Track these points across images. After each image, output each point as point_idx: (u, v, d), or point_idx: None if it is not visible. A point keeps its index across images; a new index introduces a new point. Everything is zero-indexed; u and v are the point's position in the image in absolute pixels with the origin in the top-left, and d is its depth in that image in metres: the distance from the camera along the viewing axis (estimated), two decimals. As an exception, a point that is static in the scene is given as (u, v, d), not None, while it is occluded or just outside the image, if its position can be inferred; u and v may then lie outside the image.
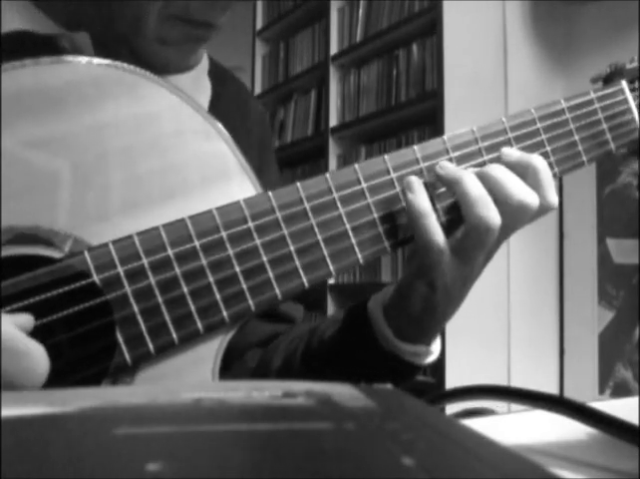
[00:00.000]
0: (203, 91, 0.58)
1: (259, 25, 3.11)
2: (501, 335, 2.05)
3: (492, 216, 0.46)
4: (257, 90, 3.11)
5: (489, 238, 0.46)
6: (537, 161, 0.48)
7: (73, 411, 0.19)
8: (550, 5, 2.17)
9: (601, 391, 2.07)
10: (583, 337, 2.12)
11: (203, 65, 0.60)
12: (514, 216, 0.47)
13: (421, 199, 0.46)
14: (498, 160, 0.49)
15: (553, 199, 0.49)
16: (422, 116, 2.17)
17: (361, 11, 2.49)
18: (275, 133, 2.92)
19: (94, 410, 0.19)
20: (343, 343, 0.55)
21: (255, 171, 0.66)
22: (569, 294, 2.18)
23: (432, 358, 0.54)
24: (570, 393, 2.12)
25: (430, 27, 2.12)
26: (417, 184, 0.46)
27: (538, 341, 2.14)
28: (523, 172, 0.48)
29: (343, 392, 0.22)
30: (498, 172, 0.47)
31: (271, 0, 3.06)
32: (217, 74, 0.63)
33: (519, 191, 0.46)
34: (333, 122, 2.55)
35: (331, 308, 2.46)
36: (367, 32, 2.46)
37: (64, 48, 0.48)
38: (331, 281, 2.47)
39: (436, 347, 0.54)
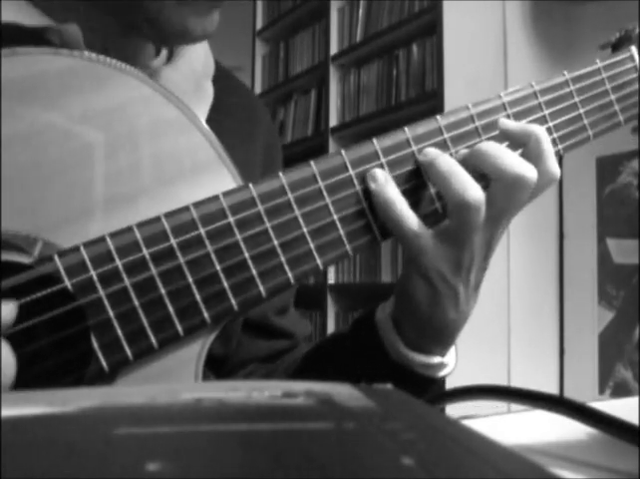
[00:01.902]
0: (205, 97, 0.57)
1: (259, 25, 3.11)
2: (501, 335, 2.05)
3: (469, 191, 0.43)
4: (257, 90, 3.10)
5: (472, 215, 0.43)
6: (539, 130, 0.46)
7: (73, 411, 0.19)
8: (550, 5, 2.17)
9: (601, 391, 2.07)
10: (583, 337, 2.12)
11: (208, 71, 0.59)
12: (512, 192, 0.44)
13: (385, 187, 0.44)
14: (496, 137, 0.47)
15: (557, 169, 0.46)
16: (422, 116, 2.15)
17: (361, 11, 2.49)
18: (275, 133, 2.92)
19: (94, 410, 0.19)
20: (350, 357, 0.53)
21: (259, 178, 0.65)
22: (569, 294, 2.18)
23: (447, 371, 0.51)
24: (570, 393, 2.12)
25: (430, 27, 2.12)
26: (380, 173, 0.44)
27: (538, 341, 2.14)
28: (525, 142, 0.46)
29: (343, 392, 0.22)
30: (489, 146, 0.44)
31: (271, 0, 3.06)
32: (223, 80, 0.62)
33: (513, 164, 0.43)
34: (333, 122, 2.55)
35: (331, 308, 2.46)
36: (367, 32, 2.46)
37: (52, 41, 0.47)
38: (331, 281, 2.47)
39: (450, 359, 0.51)
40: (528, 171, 0.43)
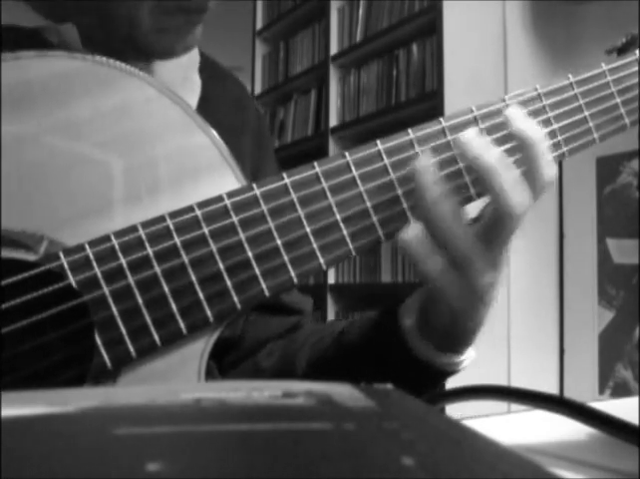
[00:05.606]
0: (193, 89, 0.57)
1: (259, 25, 3.11)
2: (501, 335, 2.05)
3: (520, 201, 0.42)
4: (257, 90, 3.10)
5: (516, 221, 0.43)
6: (538, 137, 0.45)
7: (73, 411, 0.19)
8: (550, 5, 2.17)
9: (601, 391, 2.07)
10: (583, 337, 2.12)
11: (194, 62, 0.59)
12: (502, 227, 0.44)
13: (424, 176, 0.43)
14: (499, 139, 0.46)
15: (551, 177, 0.45)
16: (422, 116, 2.16)
17: (361, 11, 2.49)
18: (275, 133, 2.92)
19: (94, 410, 0.19)
20: (374, 352, 0.53)
21: (254, 170, 0.64)
22: (569, 294, 2.18)
23: (467, 363, 0.51)
24: (570, 393, 2.12)
25: (430, 27, 2.12)
26: (423, 161, 0.43)
27: (538, 341, 2.14)
28: (522, 146, 0.45)
29: (343, 392, 0.22)
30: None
31: (271, 0, 3.06)
32: (210, 71, 0.62)
33: (505, 190, 0.43)
34: (333, 122, 2.55)
35: (331, 308, 2.46)
36: (367, 32, 2.46)
37: (50, 41, 0.47)
38: (331, 281, 2.47)
39: (470, 353, 0.51)
40: (519, 197, 0.43)
